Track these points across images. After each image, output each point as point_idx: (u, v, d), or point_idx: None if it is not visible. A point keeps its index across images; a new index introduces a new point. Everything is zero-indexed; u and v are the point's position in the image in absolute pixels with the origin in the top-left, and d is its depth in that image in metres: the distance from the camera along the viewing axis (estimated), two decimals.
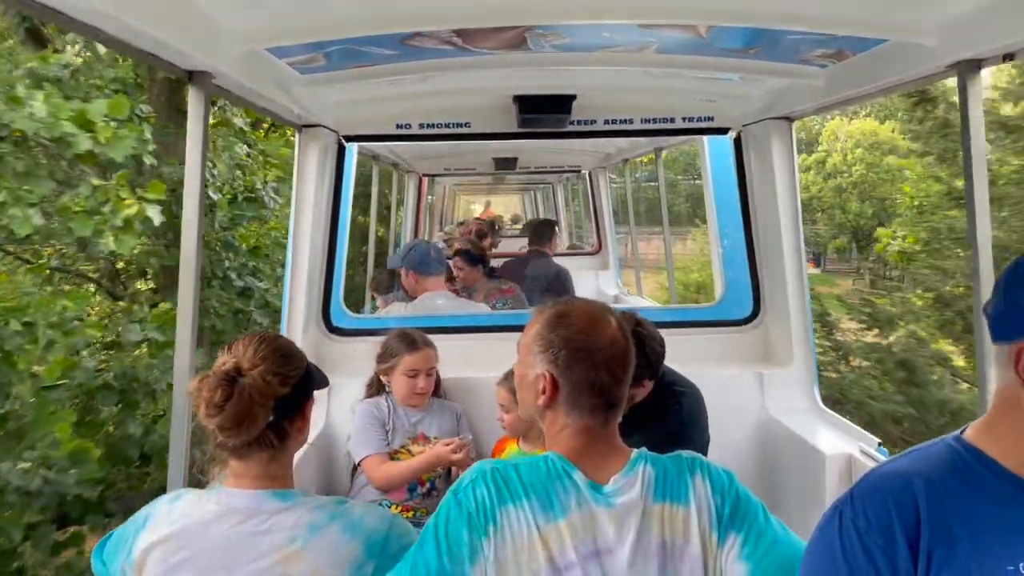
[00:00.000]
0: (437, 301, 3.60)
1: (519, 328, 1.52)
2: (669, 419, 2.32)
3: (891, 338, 9.25)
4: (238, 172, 8.19)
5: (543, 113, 3.06)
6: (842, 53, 2.15)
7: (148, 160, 6.21)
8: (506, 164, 7.03)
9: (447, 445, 2.54)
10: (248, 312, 7.98)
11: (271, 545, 1.38)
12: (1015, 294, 1.07)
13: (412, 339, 2.72)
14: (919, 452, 1.15)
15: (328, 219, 3.21)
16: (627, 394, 1.42)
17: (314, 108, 2.81)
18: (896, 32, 1.85)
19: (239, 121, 8.33)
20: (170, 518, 1.42)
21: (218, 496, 1.44)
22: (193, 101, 1.87)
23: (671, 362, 2.44)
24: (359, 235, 8.50)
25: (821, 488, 2.49)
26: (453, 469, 2.61)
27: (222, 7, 1.69)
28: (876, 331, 9.49)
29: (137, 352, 6.18)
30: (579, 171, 8.38)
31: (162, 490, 1.57)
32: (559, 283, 4.95)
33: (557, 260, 5.44)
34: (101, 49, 6.34)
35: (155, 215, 5.44)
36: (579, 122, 3.25)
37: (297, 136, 3.02)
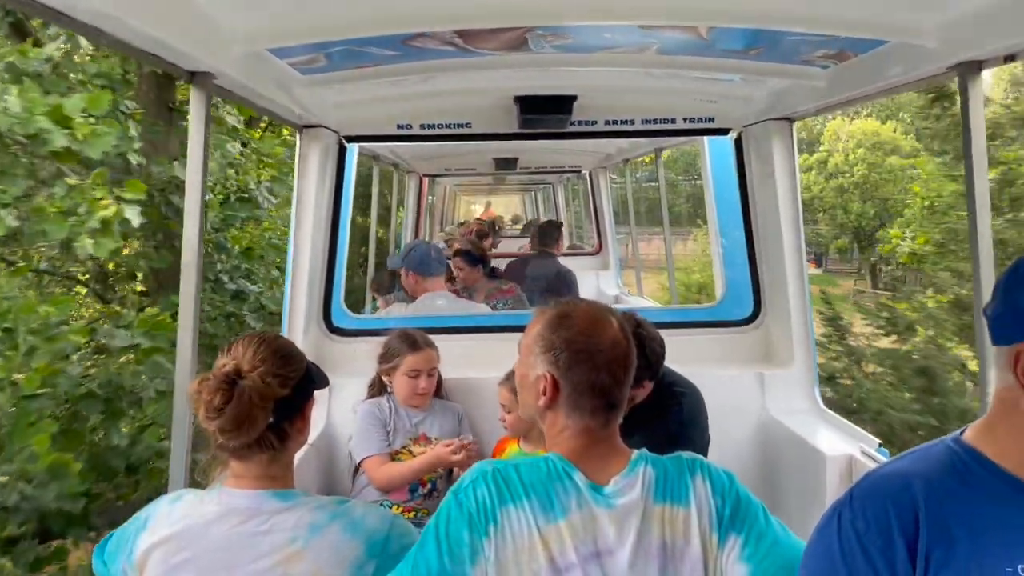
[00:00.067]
0: (438, 301, 3.60)
1: (520, 328, 1.52)
2: (669, 420, 2.32)
3: (908, 344, 8.98)
4: (230, 171, 8.03)
5: (544, 114, 3.06)
6: (843, 54, 2.15)
7: (134, 159, 5.99)
8: (507, 164, 7.03)
9: (447, 446, 2.55)
10: (241, 316, 7.72)
11: (272, 545, 1.38)
12: (1015, 296, 1.07)
13: (414, 340, 2.72)
14: (918, 453, 1.15)
15: (329, 219, 3.21)
16: (628, 395, 1.42)
17: (315, 109, 2.81)
18: (897, 33, 1.85)
19: (231, 119, 8.16)
20: (171, 519, 1.42)
21: (219, 496, 1.44)
22: (195, 102, 1.87)
23: (672, 363, 2.44)
24: (358, 236, 8.46)
25: (822, 489, 2.49)
26: (455, 470, 2.61)
27: (223, 8, 1.70)
28: (893, 337, 9.20)
29: (123, 359, 5.85)
30: (579, 171, 8.38)
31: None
32: (560, 283, 4.95)
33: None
34: (84, 43, 6.06)
35: (134, 216, 5.12)
36: (580, 123, 3.25)
37: (298, 137, 3.02)
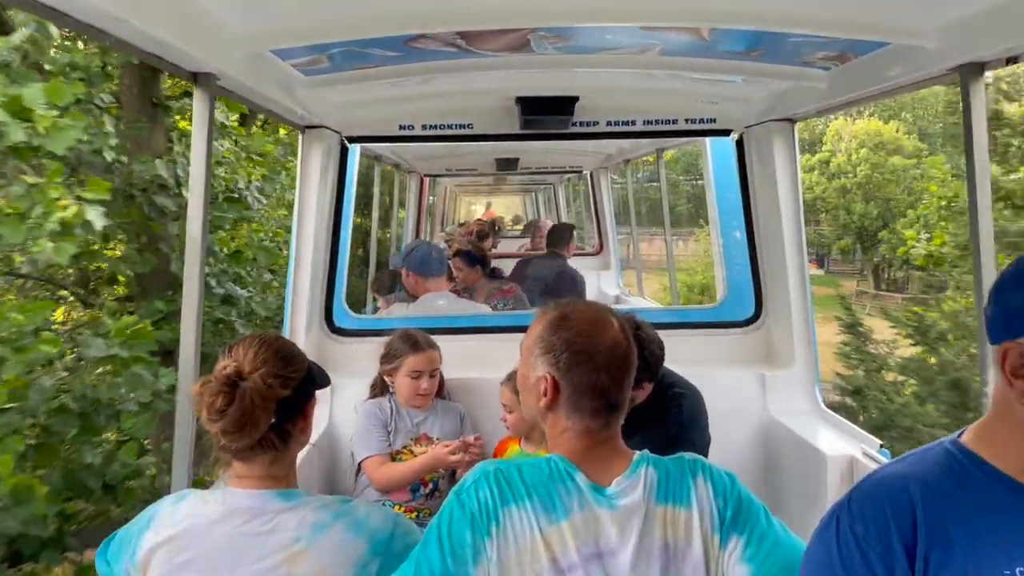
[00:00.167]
0: (439, 302, 3.60)
1: (521, 329, 1.52)
2: (669, 421, 2.32)
3: (933, 356, 8.58)
4: (218, 170, 7.69)
5: (546, 114, 3.07)
6: (844, 55, 2.15)
7: (108, 155, 5.66)
8: (508, 165, 7.03)
9: (446, 447, 2.55)
10: (231, 322, 7.33)
11: (275, 545, 1.39)
12: (1006, 297, 1.08)
13: (415, 340, 2.72)
14: (916, 456, 1.16)
15: (331, 220, 3.22)
16: (629, 396, 1.42)
17: (317, 109, 2.82)
18: (898, 35, 1.85)
19: (219, 115, 7.88)
20: (174, 519, 1.43)
21: (222, 496, 1.44)
22: (198, 103, 1.88)
23: (673, 363, 2.44)
24: (358, 237, 8.41)
25: (823, 490, 2.50)
26: (457, 470, 2.61)
27: (227, 9, 1.70)
28: (920, 347, 8.81)
29: (100, 369, 5.38)
30: (580, 172, 8.39)
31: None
32: (567, 285, 4.93)
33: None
34: (55, 30, 5.54)
35: (96, 217, 4.65)
36: (581, 123, 3.26)
37: (300, 137, 3.03)
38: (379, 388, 2.83)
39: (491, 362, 2.69)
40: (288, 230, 9.14)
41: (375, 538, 1.44)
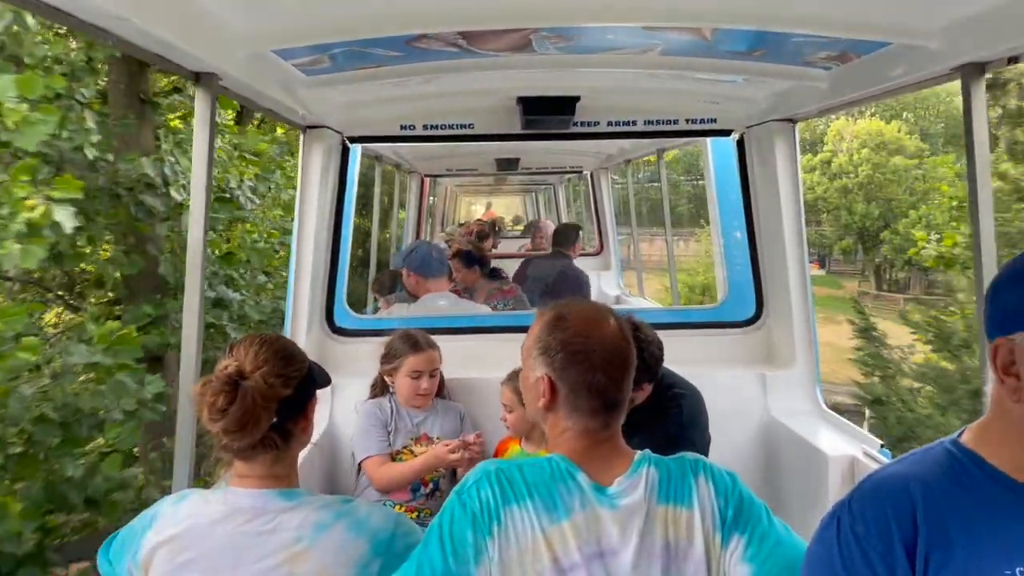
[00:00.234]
0: (439, 302, 3.60)
1: (521, 329, 1.52)
2: (669, 422, 2.32)
3: (955, 363, 8.24)
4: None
5: (547, 114, 3.07)
6: (846, 55, 2.15)
7: (90, 153, 5.40)
8: (508, 165, 7.04)
9: (446, 446, 2.55)
10: (221, 326, 7.07)
11: (277, 544, 1.39)
12: (1001, 294, 1.09)
13: (415, 340, 2.72)
14: (916, 456, 1.16)
15: (332, 220, 3.22)
16: (629, 394, 1.42)
17: (319, 109, 2.82)
18: (900, 35, 1.85)
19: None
20: (176, 518, 1.43)
21: (224, 496, 1.44)
22: (200, 102, 1.88)
23: (673, 363, 2.45)
24: (358, 237, 8.37)
25: (824, 490, 2.50)
26: (458, 470, 2.62)
27: (229, 9, 1.70)
28: (937, 352, 8.50)
29: (83, 377, 5.10)
30: (581, 172, 8.39)
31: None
32: (570, 285, 4.93)
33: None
34: (31, 20, 5.23)
35: (66, 218, 4.38)
36: (582, 123, 3.26)
37: (301, 137, 3.03)
38: (379, 388, 2.83)
39: (491, 362, 2.69)
40: (283, 231, 9.10)
41: (376, 538, 1.44)
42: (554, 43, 2.15)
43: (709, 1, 1.80)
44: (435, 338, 2.78)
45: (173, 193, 6.44)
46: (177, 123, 8.24)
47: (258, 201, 7.94)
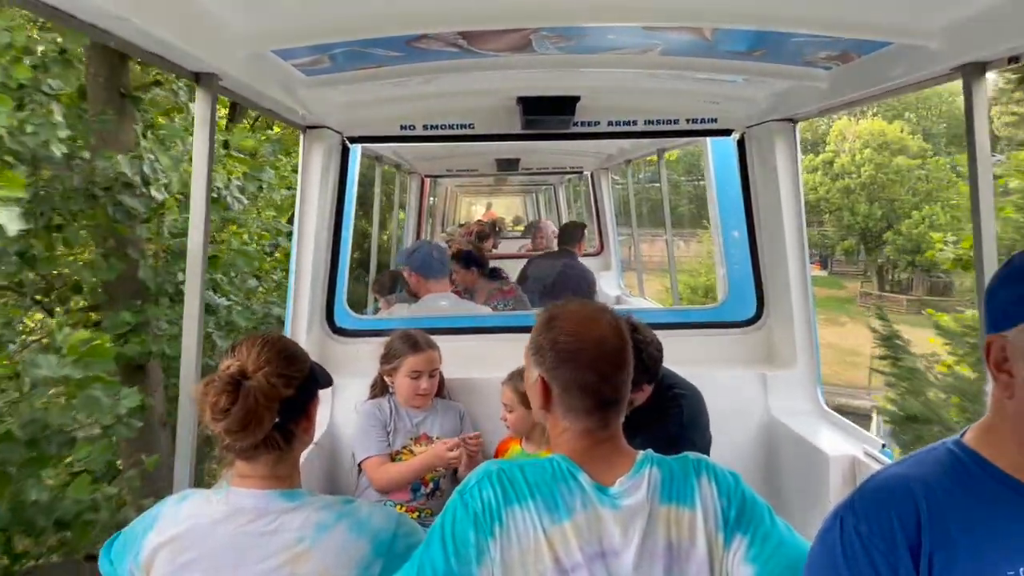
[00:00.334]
0: (440, 302, 3.60)
1: (520, 329, 1.53)
2: (669, 422, 2.32)
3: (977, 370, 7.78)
4: (188, 168, 6.45)
5: (547, 115, 3.07)
6: (846, 55, 2.15)
7: (57, 149, 4.96)
8: (508, 165, 7.04)
9: (445, 444, 2.55)
10: (208, 334, 6.56)
11: (279, 545, 1.39)
12: (996, 293, 1.10)
13: (415, 341, 2.73)
14: (919, 456, 1.16)
15: (332, 220, 3.22)
16: (626, 393, 1.42)
17: (319, 110, 2.82)
18: (900, 34, 1.85)
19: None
20: (177, 518, 1.43)
21: (226, 496, 1.44)
22: (200, 103, 1.88)
23: (674, 364, 2.44)
24: (357, 238, 8.31)
25: (825, 490, 2.50)
26: (459, 469, 2.62)
27: (228, 9, 1.70)
28: (965, 360, 8.12)
29: (53, 391, 4.64)
30: (581, 172, 8.39)
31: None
32: (572, 282, 4.92)
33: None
34: None
35: (10, 220, 3.92)
36: (583, 123, 3.26)
37: (302, 137, 3.03)
38: (379, 388, 2.83)
39: (491, 362, 2.69)
40: (275, 232, 9.02)
41: (377, 539, 1.44)
42: (554, 43, 2.15)
43: (709, 1, 1.80)
44: (435, 338, 2.78)
45: (154, 193, 6.07)
46: (163, 120, 7.87)
47: (246, 202, 7.60)
